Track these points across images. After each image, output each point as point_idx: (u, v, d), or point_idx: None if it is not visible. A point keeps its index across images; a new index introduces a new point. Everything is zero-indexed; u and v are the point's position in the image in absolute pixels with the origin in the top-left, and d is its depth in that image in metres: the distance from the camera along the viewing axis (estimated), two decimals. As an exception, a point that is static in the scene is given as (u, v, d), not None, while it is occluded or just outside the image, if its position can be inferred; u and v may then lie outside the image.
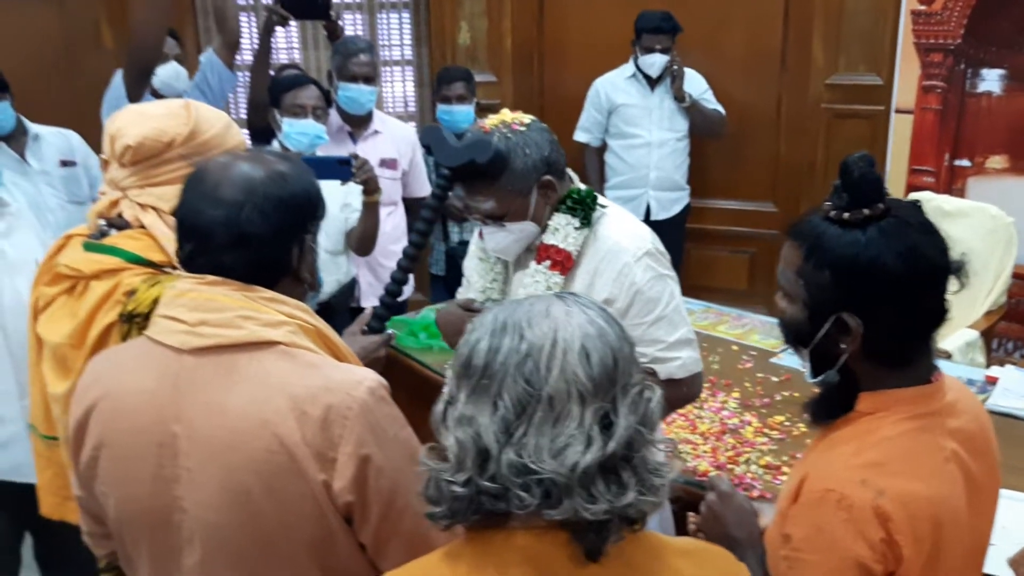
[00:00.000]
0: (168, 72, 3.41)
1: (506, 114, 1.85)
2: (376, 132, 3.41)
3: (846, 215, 1.20)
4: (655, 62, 4.05)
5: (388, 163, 3.37)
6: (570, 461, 0.95)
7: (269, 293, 1.28)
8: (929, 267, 1.20)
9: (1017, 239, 3.38)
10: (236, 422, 1.21)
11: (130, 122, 1.64)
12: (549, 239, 1.87)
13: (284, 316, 1.27)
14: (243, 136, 1.75)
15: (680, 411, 2.40)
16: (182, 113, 1.65)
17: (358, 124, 3.36)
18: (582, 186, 1.92)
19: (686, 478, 2.09)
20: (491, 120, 1.84)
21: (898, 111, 4.03)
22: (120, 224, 1.66)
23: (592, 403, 0.97)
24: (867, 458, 1.19)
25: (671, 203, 4.29)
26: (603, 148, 4.33)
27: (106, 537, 1.43)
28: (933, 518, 1.18)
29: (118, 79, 3.21)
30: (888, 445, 1.20)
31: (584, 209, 1.86)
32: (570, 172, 1.93)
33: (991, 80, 3.75)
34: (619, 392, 1.00)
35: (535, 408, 0.97)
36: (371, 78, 3.31)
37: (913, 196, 2.72)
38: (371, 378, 1.26)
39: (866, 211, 1.20)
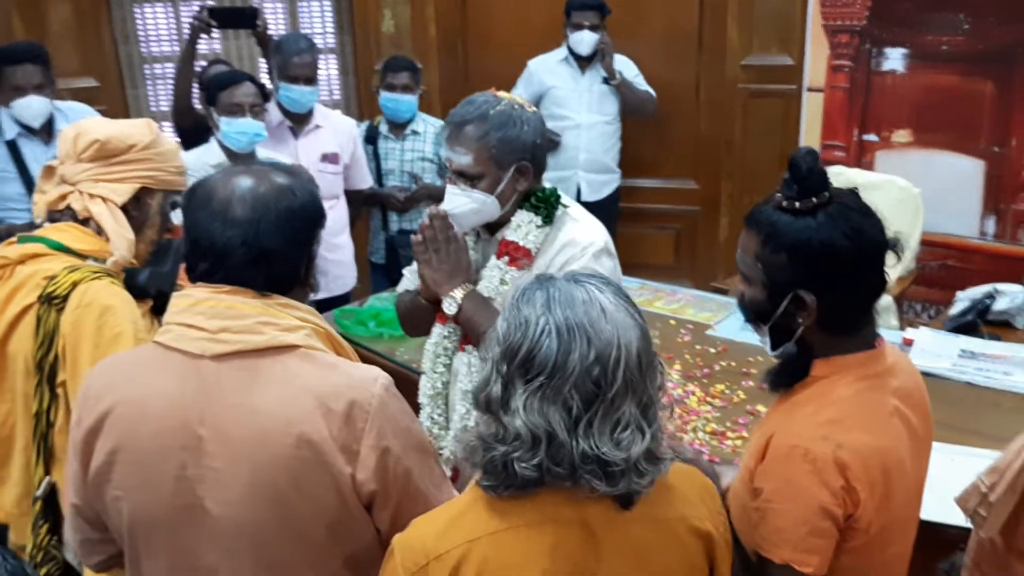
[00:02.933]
0: None
1: (516, 97, 1.92)
2: (317, 127, 3.40)
3: (797, 204, 1.33)
4: (584, 39, 4.10)
5: (330, 157, 3.37)
6: (631, 450, 1.09)
7: (284, 299, 1.33)
8: (872, 244, 1.34)
9: (923, 208, 3.61)
10: (264, 422, 1.26)
11: (97, 123, 1.82)
12: (511, 235, 1.92)
13: (299, 321, 1.33)
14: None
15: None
16: (145, 126, 1.83)
17: (299, 120, 3.36)
18: (548, 186, 1.97)
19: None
20: (504, 94, 1.91)
21: (810, 90, 4.25)
22: (57, 218, 1.79)
23: (639, 391, 1.11)
24: (825, 416, 1.33)
25: (601, 185, 4.38)
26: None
27: (104, 542, 1.44)
28: (883, 466, 1.33)
29: None
30: (843, 404, 1.34)
31: (547, 208, 1.91)
32: None
33: (894, 59, 3.99)
34: (651, 374, 1.14)
35: (599, 405, 1.09)
36: (312, 78, 3.30)
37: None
38: (383, 375, 1.33)
39: (814, 200, 1.33)
